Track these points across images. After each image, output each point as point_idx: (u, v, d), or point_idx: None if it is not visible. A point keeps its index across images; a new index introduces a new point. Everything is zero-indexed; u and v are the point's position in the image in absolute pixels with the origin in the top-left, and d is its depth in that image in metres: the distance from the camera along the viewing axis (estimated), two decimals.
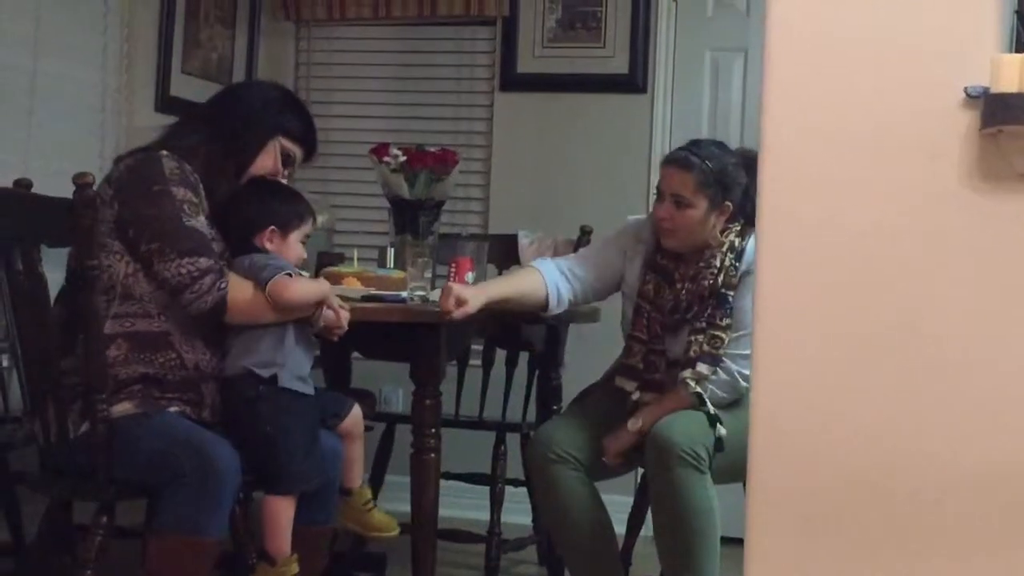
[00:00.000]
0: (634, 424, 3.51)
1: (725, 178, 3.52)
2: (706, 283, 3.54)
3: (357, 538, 4.01)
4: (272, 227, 3.16)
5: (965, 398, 2.22)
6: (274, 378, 3.07)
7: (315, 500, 3.16)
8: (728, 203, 3.53)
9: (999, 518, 2.21)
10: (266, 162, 3.22)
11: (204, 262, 2.99)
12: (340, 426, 3.25)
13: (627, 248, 3.71)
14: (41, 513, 3.32)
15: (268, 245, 3.16)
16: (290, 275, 3.08)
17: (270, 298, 3.04)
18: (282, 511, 3.06)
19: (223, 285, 3.00)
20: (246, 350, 3.09)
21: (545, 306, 3.65)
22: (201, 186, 3.09)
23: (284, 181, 3.30)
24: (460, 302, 3.33)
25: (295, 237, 3.20)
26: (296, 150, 3.29)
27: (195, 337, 3.07)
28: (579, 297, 3.71)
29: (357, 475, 3.32)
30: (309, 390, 3.15)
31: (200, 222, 3.04)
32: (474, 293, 3.40)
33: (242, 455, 2.95)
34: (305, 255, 3.26)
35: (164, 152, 3.07)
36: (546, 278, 3.63)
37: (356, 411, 3.29)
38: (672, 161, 3.59)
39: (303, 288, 3.10)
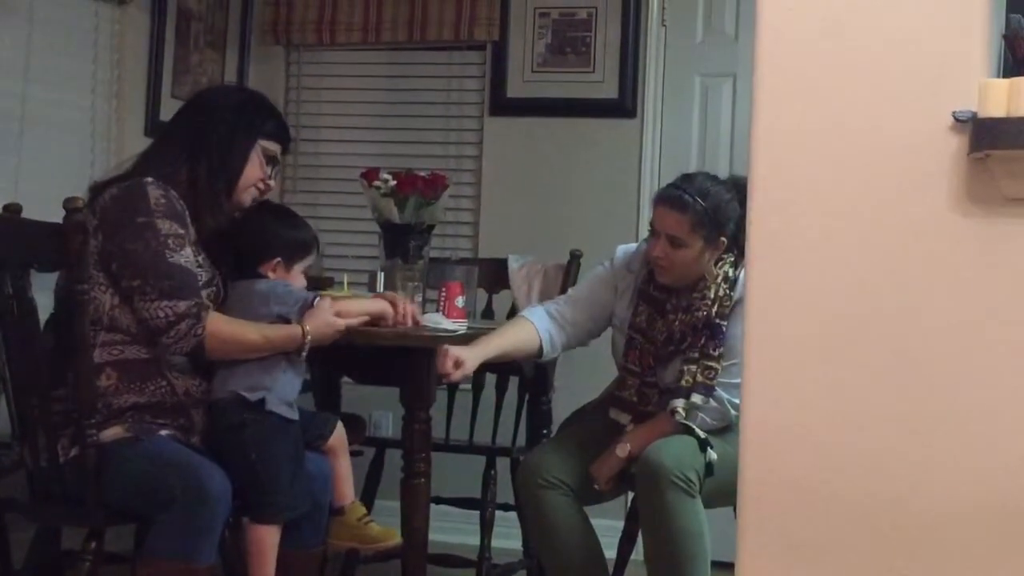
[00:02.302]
0: (622, 449, 3.51)
1: (719, 215, 3.49)
2: (700, 314, 3.53)
3: (347, 562, 4.00)
4: (278, 259, 3.18)
5: (958, 424, 2.22)
6: (261, 401, 3.07)
7: (304, 523, 3.15)
8: (723, 239, 3.52)
9: (993, 547, 2.21)
10: (254, 171, 3.22)
11: (183, 306, 2.98)
12: (326, 444, 3.26)
13: (618, 282, 3.71)
14: (30, 539, 3.30)
15: (271, 275, 3.18)
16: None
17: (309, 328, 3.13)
18: (267, 539, 3.05)
19: (199, 331, 2.99)
20: (234, 373, 3.09)
21: (539, 354, 3.67)
22: (187, 213, 3.08)
23: (271, 183, 3.30)
24: (458, 364, 3.34)
25: (299, 268, 3.23)
26: (276, 148, 3.28)
27: (184, 363, 3.06)
28: (572, 341, 3.72)
29: (348, 491, 3.32)
30: (294, 416, 3.15)
31: (185, 255, 3.02)
32: (471, 354, 3.40)
33: (231, 475, 2.95)
34: (305, 283, 3.28)
35: (149, 180, 3.06)
36: (538, 327, 3.63)
37: (339, 427, 3.30)
38: (665, 201, 3.54)
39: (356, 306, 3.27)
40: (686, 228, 3.48)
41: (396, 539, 3.37)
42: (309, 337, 3.10)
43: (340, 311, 3.19)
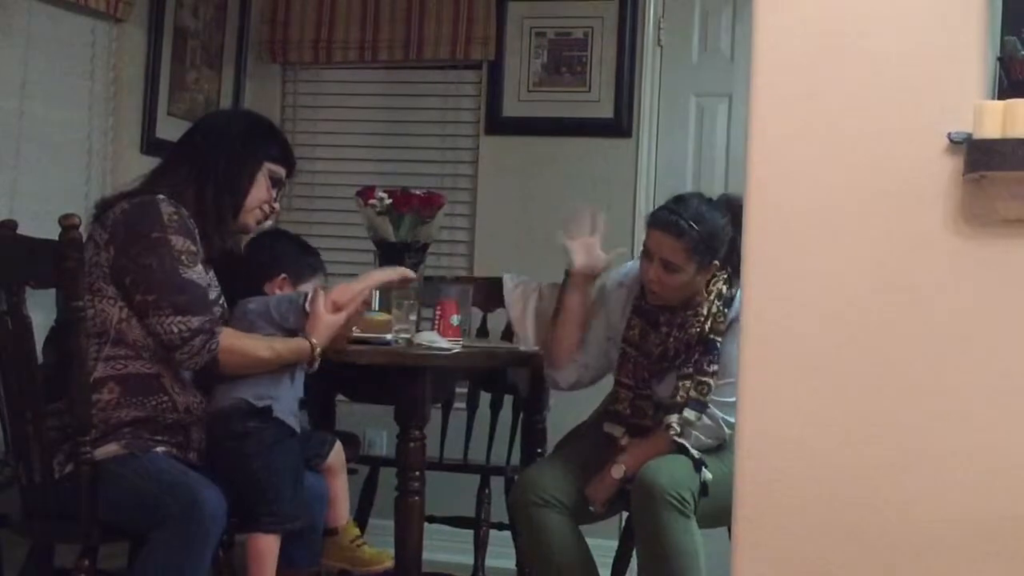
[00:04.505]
0: (617, 470, 3.50)
1: (714, 241, 3.48)
2: (694, 330, 3.53)
3: None
4: (284, 275, 3.20)
5: (954, 441, 2.23)
6: (268, 409, 3.07)
7: (299, 542, 3.15)
8: (715, 262, 3.52)
9: (992, 564, 2.21)
10: (259, 193, 3.23)
11: (196, 321, 2.99)
12: (323, 464, 3.25)
13: (607, 300, 3.72)
14: (23, 556, 3.29)
15: (277, 291, 3.19)
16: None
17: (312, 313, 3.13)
18: (268, 549, 3.05)
19: (213, 346, 3.00)
20: (240, 383, 3.09)
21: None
22: (197, 230, 3.08)
23: (276, 206, 3.31)
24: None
25: (305, 288, 3.23)
26: (282, 171, 3.31)
27: (185, 378, 3.07)
28: (597, 375, 3.77)
29: (343, 512, 3.32)
30: (297, 427, 3.16)
31: (197, 271, 3.04)
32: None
33: (227, 493, 2.94)
34: None
35: (161, 196, 3.07)
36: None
37: (338, 447, 3.30)
38: (661, 225, 3.51)
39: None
40: (681, 255, 3.47)
41: (388, 563, 3.37)
42: (318, 350, 3.12)
43: (336, 300, 3.19)
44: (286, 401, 3.13)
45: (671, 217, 3.50)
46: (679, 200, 3.58)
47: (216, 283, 3.12)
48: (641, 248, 3.65)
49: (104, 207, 3.11)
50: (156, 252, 3.00)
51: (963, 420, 2.22)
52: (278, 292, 3.21)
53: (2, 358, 3.03)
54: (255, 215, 3.24)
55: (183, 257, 3.01)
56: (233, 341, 3.06)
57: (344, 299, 3.20)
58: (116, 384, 3.00)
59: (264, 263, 3.22)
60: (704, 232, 3.46)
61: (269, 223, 3.40)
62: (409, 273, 3.40)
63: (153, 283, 2.99)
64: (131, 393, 3.01)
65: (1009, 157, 2.11)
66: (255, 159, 3.23)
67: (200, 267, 3.05)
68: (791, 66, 2.31)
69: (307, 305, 3.13)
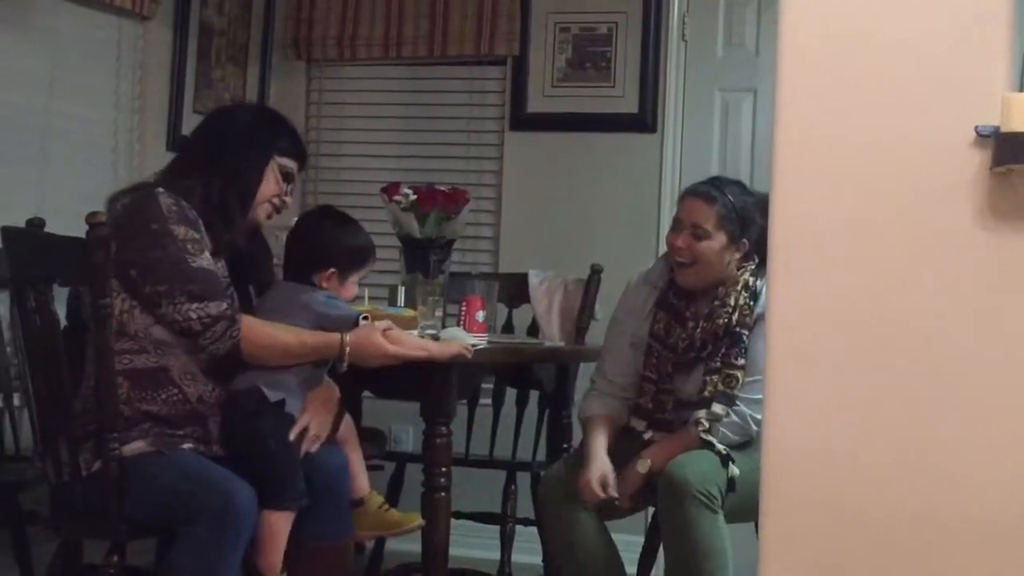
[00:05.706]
0: (643, 465, 3.50)
1: (745, 216, 3.53)
2: (721, 321, 3.53)
3: (375, 552, 3.99)
4: (333, 269, 3.19)
5: (981, 438, 2.22)
6: (281, 402, 3.08)
7: (325, 513, 3.14)
8: (745, 240, 3.54)
9: (1014, 565, 2.20)
10: (269, 187, 3.22)
11: (214, 307, 3.00)
12: (336, 435, 3.26)
13: (631, 304, 3.71)
14: (52, 553, 3.31)
15: (325, 284, 3.19)
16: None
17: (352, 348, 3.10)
18: (280, 525, 3.05)
19: (235, 333, 3.01)
20: (256, 373, 3.10)
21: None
22: (201, 222, 3.08)
23: (287, 199, 3.30)
24: (605, 484, 3.49)
25: (353, 279, 3.24)
26: (292, 164, 3.29)
27: (194, 369, 3.07)
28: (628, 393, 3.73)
29: (363, 482, 3.31)
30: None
31: (205, 259, 3.04)
32: (611, 479, 3.49)
33: (242, 472, 2.95)
34: (356, 291, 3.29)
35: (160, 189, 3.07)
36: (613, 415, 3.65)
37: (347, 419, 3.30)
38: (695, 193, 3.60)
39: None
40: (712, 220, 3.52)
41: (418, 521, 3.36)
42: (348, 348, 3.11)
43: (394, 340, 3.18)
44: (298, 397, 3.14)
45: (705, 187, 3.60)
46: (715, 178, 3.72)
47: (226, 273, 3.13)
48: (665, 245, 3.66)
49: (112, 203, 3.12)
50: (160, 243, 3.00)
51: (992, 417, 2.21)
52: (324, 284, 3.20)
53: (31, 356, 3.05)
54: (265, 209, 3.24)
55: (188, 246, 3.01)
56: (257, 327, 3.06)
57: (399, 340, 3.20)
58: (124, 379, 3.01)
59: (315, 253, 3.21)
60: (736, 204, 3.54)
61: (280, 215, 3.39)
62: (468, 353, 3.35)
63: (162, 274, 2.99)
64: (140, 388, 3.01)
65: None
66: (263, 153, 3.22)
67: (207, 255, 3.05)
68: (817, 60, 2.30)
69: (360, 321, 3.15)
